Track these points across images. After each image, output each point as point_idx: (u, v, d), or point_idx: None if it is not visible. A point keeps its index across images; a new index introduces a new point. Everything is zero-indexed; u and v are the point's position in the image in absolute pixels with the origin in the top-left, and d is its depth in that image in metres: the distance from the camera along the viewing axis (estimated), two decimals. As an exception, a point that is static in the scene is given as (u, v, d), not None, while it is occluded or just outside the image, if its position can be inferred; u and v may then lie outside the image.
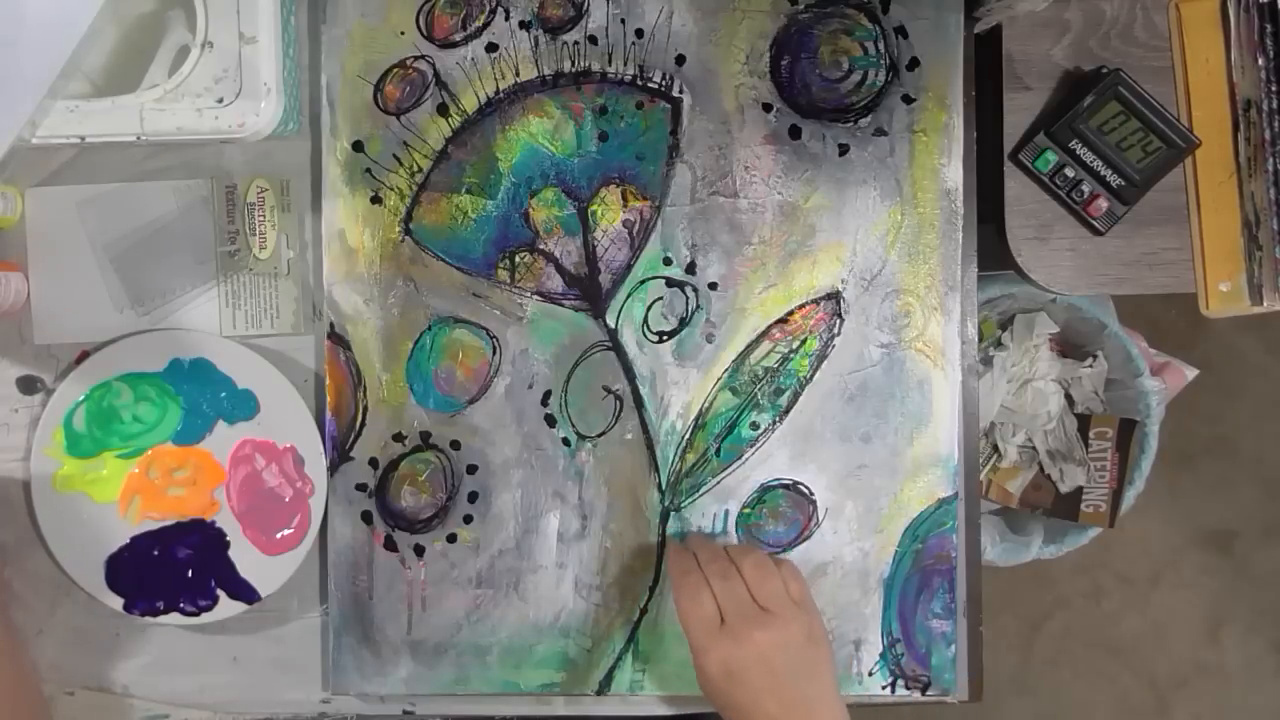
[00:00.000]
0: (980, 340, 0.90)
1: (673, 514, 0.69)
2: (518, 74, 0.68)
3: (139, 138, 0.63)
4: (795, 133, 0.68)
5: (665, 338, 0.69)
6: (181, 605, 0.67)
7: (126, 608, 0.67)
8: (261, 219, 0.68)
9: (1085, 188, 0.71)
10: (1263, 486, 1.48)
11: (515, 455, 0.69)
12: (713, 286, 0.69)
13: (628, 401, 0.69)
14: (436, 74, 0.68)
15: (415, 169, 0.68)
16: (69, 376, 0.67)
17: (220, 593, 0.68)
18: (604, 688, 0.69)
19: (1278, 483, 1.48)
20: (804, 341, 0.69)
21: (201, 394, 0.68)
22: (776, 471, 0.69)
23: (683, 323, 0.69)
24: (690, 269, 0.69)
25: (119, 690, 0.70)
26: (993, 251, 0.73)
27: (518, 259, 0.68)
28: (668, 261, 0.69)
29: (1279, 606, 1.48)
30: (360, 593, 0.69)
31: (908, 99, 0.68)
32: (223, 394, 0.68)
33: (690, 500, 0.69)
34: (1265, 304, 0.72)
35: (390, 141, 0.68)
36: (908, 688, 0.70)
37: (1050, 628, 1.48)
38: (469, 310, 0.69)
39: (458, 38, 0.68)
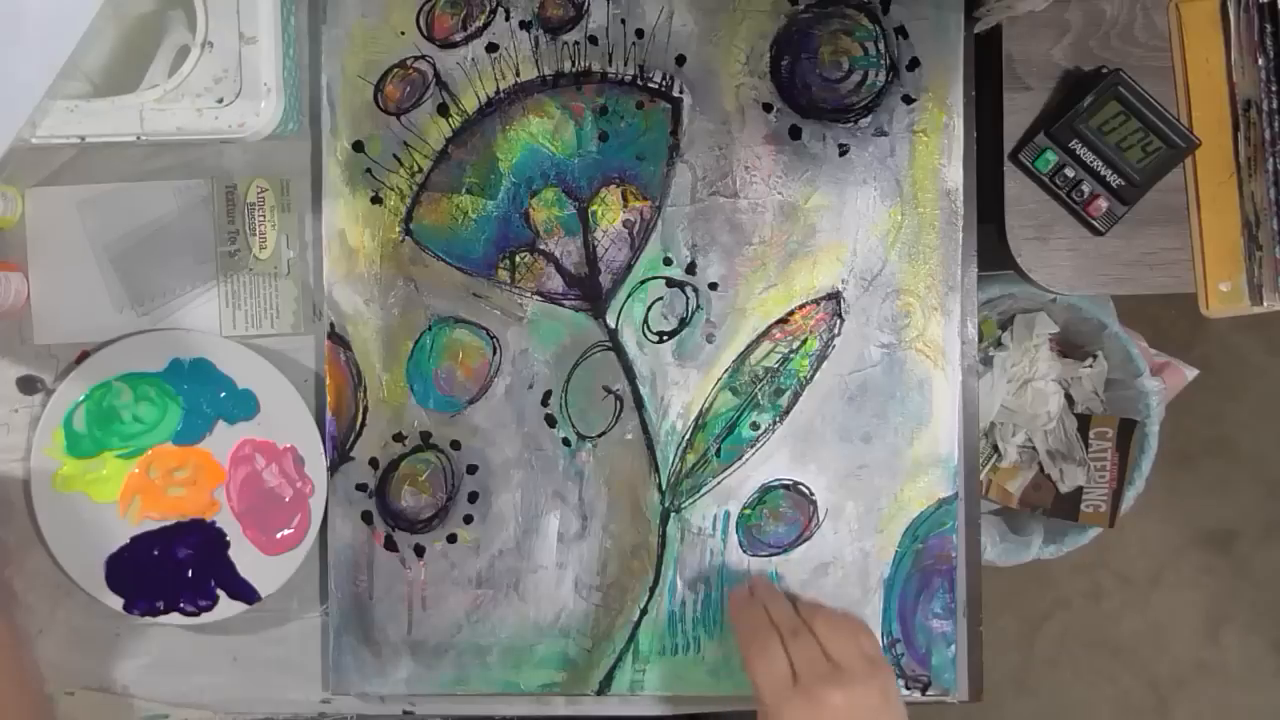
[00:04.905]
0: (980, 340, 0.91)
1: (673, 514, 0.69)
2: (518, 74, 0.68)
3: (139, 138, 0.63)
4: (795, 133, 0.68)
5: (665, 338, 0.69)
6: (181, 605, 0.67)
7: (126, 608, 0.67)
8: (261, 219, 0.68)
9: (1085, 188, 0.71)
10: (1263, 486, 1.48)
11: (515, 455, 0.69)
12: (713, 286, 0.69)
13: (628, 401, 0.69)
14: (437, 74, 0.68)
15: (415, 169, 0.68)
16: (69, 376, 0.67)
17: (220, 593, 0.68)
18: (604, 688, 0.69)
19: (1278, 483, 1.48)
20: (804, 342, 0.69)
21: (201, 394, 0.68)
22: (777, 472, 0.69)
23: (683, 323, 0.69)
24: (690, 269, 0.69)
25: (119, 690, 0.70)
26: (993, 251, 0.73)
27: (518, 259, 0.68)
28: (668, 261, 0.69)
29: (1279, 606, 1.48)
30: (360, 593, 0.69)
31: (908, 99, 0.68)
32: (223, 394, 0.68)
33: (690, 500, 0.69)
34: (1265, 304, 0.72)
35: (390, 141, 0.68)
36: (908, 688, 0.70)
37: (1050, 628, 1.48)
38: (469, 310, 0.69)
39: (458, 38, 0.68)
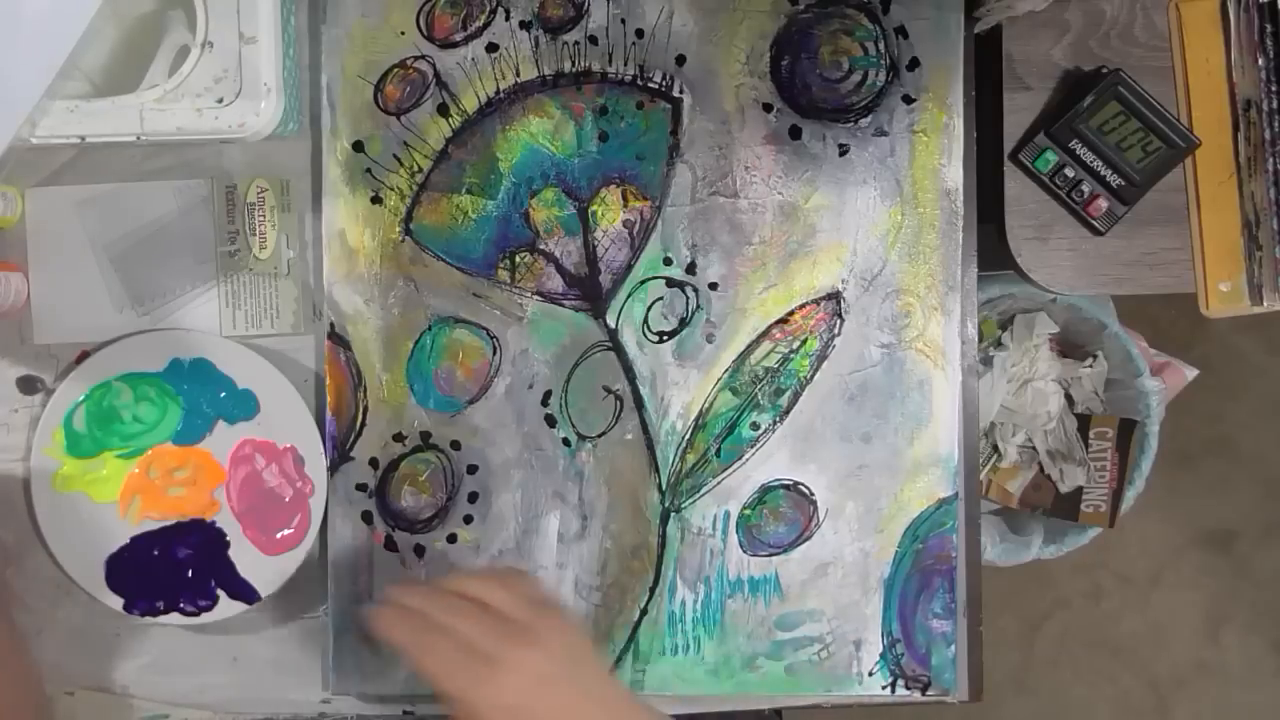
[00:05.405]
0: (980, 340, 0.91)
1: (673, 514, 0.69)
2: (518, 74, 0.68)
3: (139, 138, 0.63)
4: (795, 133, 0.68)
5: (665, 338, 0.69)
6: (181, 605, 0.67)
7: (126, 608, 0.67)
8: (261, 219, 0.68)
9: (1085, 188, 0.71)
10: (1263, 486, 1.48)
11: (515, 455, 0.69)
12: (713, 286, 0.69)
13: (628, 402, 0.69)
14: (437, 74, 0.68)
15: (415, 169, 0.68)
16: (69, 376, 0.67)
17: (220, 593, 0.68)
18: (604, 688, 0.69)
19: (1278, 483, 1.48)
20: (804, 341, 0.69)
21: (201, 394, 0.67)
22: (777, 472, 0.69)
23: (683, 323, 0.69)
24: (690, 269, 0.69)
25: (119, 690, 0.70)
26: (993, 251, 0.73)
27: (518, 259, 0.68)
28: (668, 261, 0.69)
29: (1279, 606, 1.48)
30: (360, 593, 0.69)
31: (908, 99, 0.68)
32: (223, 394, 0.68)
33: (690, 501, 0.69)
34: (1265, 304, 0.72)
35: (390, 141, 0.68)
36: (908, 688, 0.70)
37: (1050, 628, 1.48)
38: (469, 310, 0.69)
39: (458, 38, 0.68)
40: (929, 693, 0.70)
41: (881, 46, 0.68)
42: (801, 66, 0.68)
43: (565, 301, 0.69)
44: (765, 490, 0.69)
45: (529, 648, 0.49)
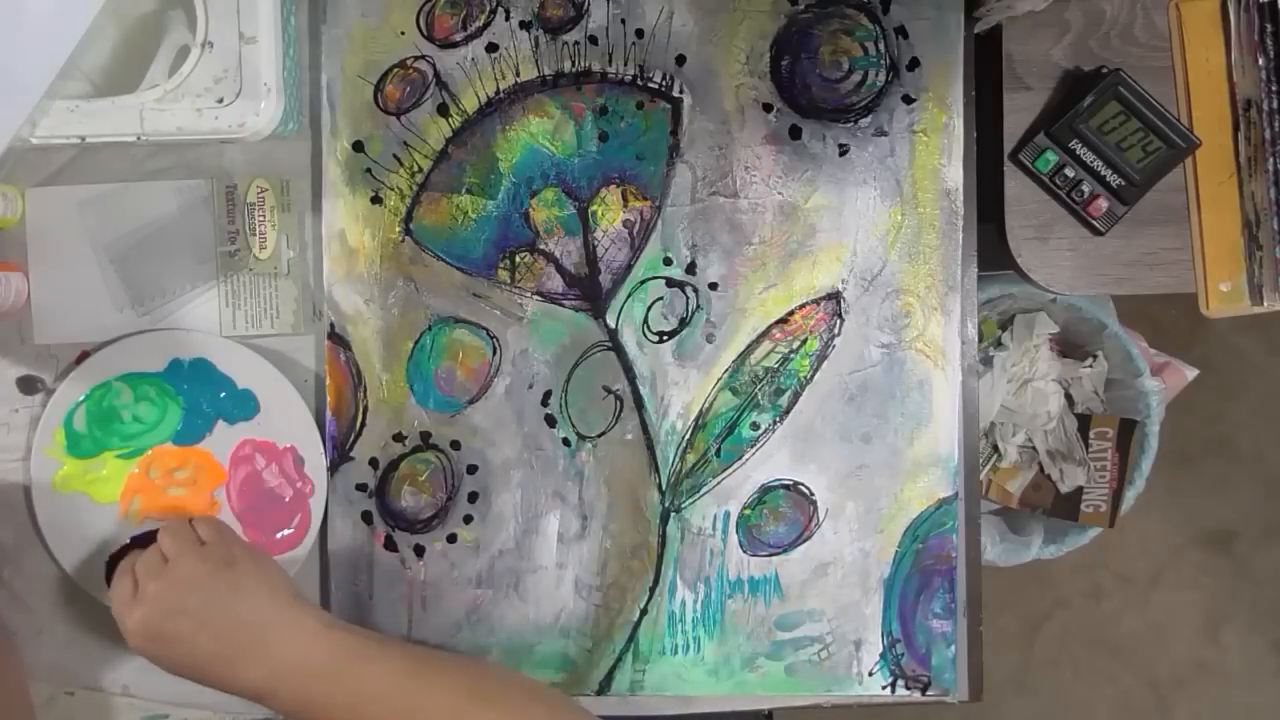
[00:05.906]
0: (980, 340, 0.91)
1: (673, 514, 0.69)
2: (518, 74, 0.68)
3: (139, 138, 0.63)
4: (795, 133, 0.68)
5: (665, 338, 0.69)
6: (181, 605, 0.67)
7: (126, 608, 0.67)
8: (261, 219, 0.68)
9: (1085, 188, 0.71)
10: (1263, 486, 1.48)
11: (515, 455, 0.69)
12: (713, 286, 0.69)
13: (628, 402, 0.69)
14: (437, 74, 0.68)
15: (415, 169, 0.68)
16: (69, 376, 0.67)
17: (220, 593, 0.68)
18: (604, 688, 0.69)
19: (1278, 483, 1.48)
20: (804, 341, 0.69)
21: (201, 394, 0.67)
22: (777, 472, 0.69)
23: (683, 323, 0.69)
24: (690, 269, 0.69)
25: (119, 690, 0.70)
26: (993, 251, 0.73)
27: (518, 259, 0.68)
28: (668, 261, 0.69)
29: (1279, 606, 1.48)
30: (360, 593, 0.69)
31: (908, 99, 0.68)
32: (223, 394, 0.68)
33: (690, 501, 0.69)
34: (1265, 304, 0.72)
35: (390, 141, 0.68)
36: (908, 688, 0.70)
37: (1050, 628, 1.48)
38: (469, 310, 0.69)
39: (458, 38, 0.68)
40: (929, 693, 0.70)
41: (881, 46, 0.68)
42: (801, 66, 0.68)
43: (565, 301, 0.69)
44: (765, 490, 0.69)
45: (161, 581, 0.59)
